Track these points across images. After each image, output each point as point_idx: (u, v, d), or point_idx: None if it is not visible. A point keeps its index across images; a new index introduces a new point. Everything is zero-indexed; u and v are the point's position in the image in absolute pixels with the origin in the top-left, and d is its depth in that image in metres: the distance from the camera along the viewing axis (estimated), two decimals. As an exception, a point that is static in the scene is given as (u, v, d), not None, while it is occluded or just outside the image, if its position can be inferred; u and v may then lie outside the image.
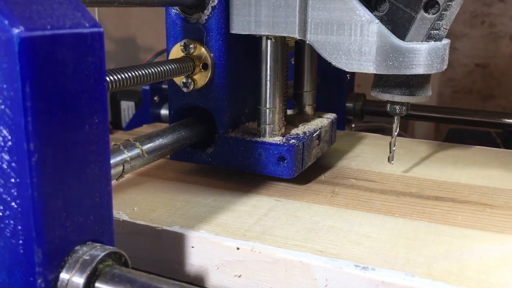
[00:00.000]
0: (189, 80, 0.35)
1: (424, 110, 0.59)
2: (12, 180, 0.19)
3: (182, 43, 0.35)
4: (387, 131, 0.65)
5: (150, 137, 0.32)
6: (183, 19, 0.35)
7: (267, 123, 0.36)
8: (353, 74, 0.62)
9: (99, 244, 0.22)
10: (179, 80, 0.35)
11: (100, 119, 0.22)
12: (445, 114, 0.59)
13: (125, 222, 0.30)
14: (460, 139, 0.75)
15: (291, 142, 0.35)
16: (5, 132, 0.19)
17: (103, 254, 0.22)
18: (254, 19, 0.33)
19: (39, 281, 0.20)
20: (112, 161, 0.28)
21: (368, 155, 0.44)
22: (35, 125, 0.18)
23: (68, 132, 0.20)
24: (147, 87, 0.71)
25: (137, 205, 0.32)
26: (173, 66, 0.32)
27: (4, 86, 0.18)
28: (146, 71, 0.30)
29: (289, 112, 0.43)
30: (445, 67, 0.34)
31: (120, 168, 0.28)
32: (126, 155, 0.29)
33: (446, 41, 0.34)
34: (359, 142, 0.48)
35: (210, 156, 0.37)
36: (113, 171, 0.28)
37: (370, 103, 0.60)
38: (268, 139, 0.35)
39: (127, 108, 0.73)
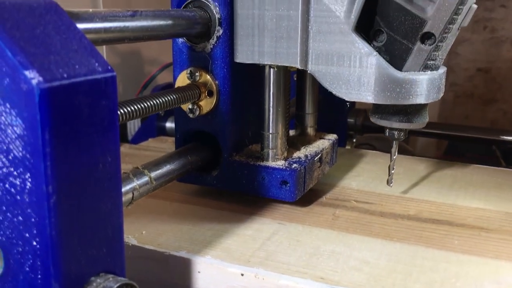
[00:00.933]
0: (195, 107, 0.36)
1: (426, 127, 0.60)
2: (32, 219, 0.20)
3: (188, 71, 0.36)
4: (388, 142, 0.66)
5: (157, 164, 0.33)
6: (189, 48, 0.36)
7: (270, 147, 0.37)
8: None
9: (112, 275, 0.24)
10: (186, 106, 0.37)
11: (113, 157, 0.23)
12: (445, 130, 0.60)
13: (134, 247, 0.31)
14: (461, 151, 0.76)
15: (293, 166, 0.36)
16: (26, 175, 0.20)
17: (116, 286, 0.23)
18: (258, 49, 0.34)
19: (56, 311, 0.21)
20: (122, 190, 0.29)
21: (368, 174, 0.45)
22: (53, 170, 0.20)
23: (83, 173, 0.21)
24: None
25: (145, 228, 0.33)
26: (179, 95, 0.34)
27: (25, 133, 0.20)
28: (155, 102, 0.31)
29: (291, 132, 0.44)
30: (442, 95, 0.35)
31: (130, 195, 0.30)
32: (135, 183, 0.30)
33: (442, 70, 0.35)
34: (359, 160, 0.50)
35: (215, 179, 0.38)
36: (123, 199, 0.29)
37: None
38: (271, 163, 0.36)
39: (133, 122, 0.74)
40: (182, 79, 0.36)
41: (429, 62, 0.34)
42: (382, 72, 0.32)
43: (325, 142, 0.42)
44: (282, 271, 0.29)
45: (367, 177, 0.45)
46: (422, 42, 0.33)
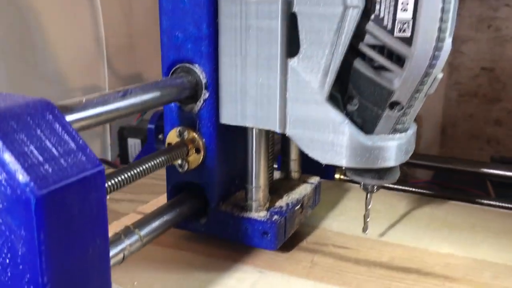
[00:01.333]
0: (184, 162, 0.39)
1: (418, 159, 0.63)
2: (30, 304, 0.24)
3: (178, 130, 0.39)
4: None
5: (148, 221, 0.36)
6: (178, 108, 0.39)
7: (253, 199, 0.40)
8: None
9: None
10: (176, 161, 0.39)
11: (101, 239, 0.26)
12: (436, 162, 0.63)
13: (127, 297, 0.35)
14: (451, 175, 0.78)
15: (274, 218, 0.39)
16: (26, 267, 0.23)
17: None
18: (240, 112, 0.37)
19: None
20: (114, 251, 0.32)
21: (350, 213, 0.48)
22: (47, 263, 0.23)
23: (74, 259, 0.24)
24: (152, 126, 0.75)
25: (137, 279, 0.37)
26: (169, 156, 0.37)
27: (23, 233, 0.23)
28: (144, 167, 0.34)
29: (277, 174, 0.47)
30: (410, 155, 0.38)
31: (121, 256, 0.33)
32: (126, 243, 0.33)
33: (411, 131, 0.38)
34: (344, 196, 0.52)
35: (204, 226, 0.41)
36: (114, 260, 0.32)
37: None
38: (253, 214, 0.39)
39: (134, 144, 0.78)
40: (172, 136, 0.39)
41: (398, 126, 0.36)
42: (353, 140, 0.35)
43: (307, 187, 0.45)
44: (258, 326, 0.32)
45: (349, 217, 0.47)
46: (391, 109, 0.35)
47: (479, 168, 0.62)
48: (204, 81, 0.37)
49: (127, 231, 0.34)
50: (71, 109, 0.28)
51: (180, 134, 0.39)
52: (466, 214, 0.49)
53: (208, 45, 0.36)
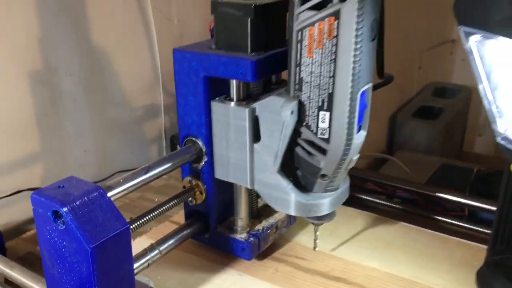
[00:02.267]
0: (193, 199, 0.59)
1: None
2: (89, 298, 0.45)
3: (188, 179, 0.59)
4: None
5: (166, 239, 0.57)
6: (189, 165, 0.59)
7: (238, 225, 0.59)
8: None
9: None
10: (187, 199, 0.60)
11: (128, 265, 0.47)
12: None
13: None
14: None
15: (250, 239, 0.58)
16: (86, 282, 0.44)
17: (130, 322, 0.47)
18: (226, 172, 0.56)
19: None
20: (141, 261, 0.53)
21: (321, 231, 0.66)
22: (97, 279, 0.44)
23: (112, 277, 0.45)
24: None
25: (159, 274, 0.58)
26: (184, 196, 0.57)
27: (85, 265, 0.44)
28: (169, 205, 0.55)
29: (262, 202, 0.65)
30: (342, 202, 0.55)
31: (146, 264, 0.54)
32: (149, 256, 0.54)
33: (342, 189, 0.55)
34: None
35: (207, 239, 0.61)
36: (142, 266, 0.53)
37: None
38: (237, 235, 0.59)
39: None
40: (185, 182, 0.59)
41: (328, 187, 0.54)
42: (296, 199, 0.53)
43: (282, 214, 0.63)
44: (225, 313, 0.52)
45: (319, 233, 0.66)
46: (321, 178, 0.53)
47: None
48: (204, 150, 0.57)
49: (151, 248, 0.55)
50: (112, 187, 0.48)
51: (190, 182, 0.59)
52: (407, 236, 0.65)
53: (205, 129, 0.55)
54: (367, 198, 0.84)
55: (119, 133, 0.90)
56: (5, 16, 0.68)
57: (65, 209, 0.43)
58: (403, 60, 2.02)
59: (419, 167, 1.39)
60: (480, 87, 0.45)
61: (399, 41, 1.81)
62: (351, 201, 0.79)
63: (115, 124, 0.89)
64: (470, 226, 0.76)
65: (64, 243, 0.44)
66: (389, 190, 0.87)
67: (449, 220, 0.76)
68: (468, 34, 0.43)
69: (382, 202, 0.82)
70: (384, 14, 0.62)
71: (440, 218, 0.78)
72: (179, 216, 0.69)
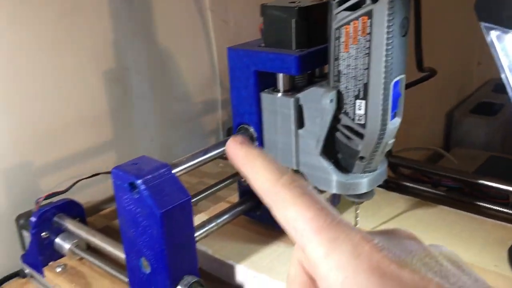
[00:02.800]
0: (244, 179, 0.67)
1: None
2: (159, 260, 0.54)
3: (241, 162, 0.66)
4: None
5: (222, 213, 0.65)
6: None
7: (286, 203, 0.66)
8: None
9: (192, 276, 0.56)
10: (239, 179, 0.67)
11: (189, 229, 0.55)
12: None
13: (209, 255, 0.64)
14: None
15: (296, 216, 0.65)
16: (155, 241, 0.53)
17: (193, 281, 0.56)
18: (275, 155, 0.63)
19: (168, 291, 0.55)
20: (200, 231, 0.61)
21: (364, 211, 0.72)
22: (165, 239, 0.52)
23: (176, 238, 0.54)
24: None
25: (216, 244, 0.66)
26: (236, 178, 0.65)
27: (155, 227, 0.52)
28: (221, 186, 0.63)
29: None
30: (381, 181, 0.61)
31: (204, 234, 0.62)
32: (208, 227, 0.62)
33: (379, 170, 0.61)
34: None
35: (259, 216, 0.69)
36: (201, 236, 0.61)
37: (394, 157, 0.86)
38: (285, 212, 0.66)
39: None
40: (239, 164, 0.67)
41: (366, 169, 0.60)
42: (337, 179, 0.59)
43: (326, 194, 0.70)
44: (278, 278, 0.59)
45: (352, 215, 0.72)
46: (359, 160, 0.59)
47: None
48: (255, 136, 0.64)
49: (209, 220, 0.63)
50: (177, 165, 0.57)
51: (243, 164, 0.66)
52: (445, 217, 0.70)
53: (256, 117, 0.63)
54: (412, 185, 0.88)
55: (181, 125, 0.99)
56: (86, 23, 0.79)
57: (139, 181, 0.52)
58: (461, 57, 2.01)
59: (474, 162, 1.40)
60: (503, 76, 0.50)
61: (458, 38, 1.81)
62: (395, 188, 0.84)
63: (177, 117, 0.98)
64: (510, 211, 0.79)
65: (138, 209, 0.53)
66: (434, 179, 0.91)
67: (491, 206, 0.79)
68: (488, 29, 0.49)
69: (426, 189, 0.86)
70: (421, 13, 0.67)
71: (482, 204, 0.81)
72: (234, 198, 0.77)
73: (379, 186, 0.83)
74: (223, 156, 0.96)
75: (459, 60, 2.01)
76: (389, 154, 0.87)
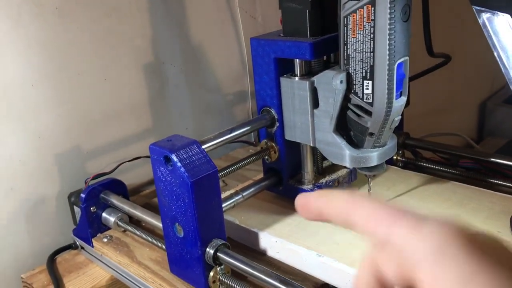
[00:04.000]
0: (268, 158, 0.74)
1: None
2: (190, 216, 0.61)
3: (264, 142, 0.74)
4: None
5: (248, 187, 0.72)
6: (265, 129, 0.74)
7: (306, 178, 0.73)
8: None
9: (220, 239, 0.64)
10: (264, 156, 0.75)
11: (217, 199, 0.62)
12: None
13: (237, 225, 0.71)
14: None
15: (314, 189, 0.72)
16: (187, 208, 0.61)
17: (220, 243, 0.63)
18: (294, 134, 0.70)
19: (199, 251, 0.62)
20: (228, 202, 0.69)
21: (380, 186, 0.78)
22: (196, 207, 0.60)
23: (206, 206, 0.61)
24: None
25: (243, 215, 0.73)
26: (261, 154, 0.72)
27: (186, 195, 0.60)
28: (247, 161, 0.70)
29: (326, 163, 0.78)
30: (389, 157, 0.67)
31: (232, 205, 0.69)
32: (235, 199, 0.70)
33: (389, 145, 0.67)
34: (384, 176, 0.82)
35: (281, 190, 0.76)
36: (228, 207, 0.69)
37: (412, 139, 0.91)
38: (304, 186, 0.73)
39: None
40: (263, 144, 0.74)
41: (376, 144, 0.66)
42: (349, 153, 0.65)
43: (344, 171, 0.76)
44: (299, 243, 0.66)
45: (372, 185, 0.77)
46: (369, 136, 0.65)
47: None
48: (276, 117, 0.71)
49: (236, 193, 0.71)
50: (205, 142, 0.65)
51: (266, 143, 0.74)
52: (455, 191, 0.75)
53: (277, 100, 0.70)
54: (429, 165, 0.93)
55: (214, 114, 1.07)
56: (126, 21, 0.88)
57: (173, 155, 0.59)
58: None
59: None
60: (496, 54, 0.56)
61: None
62: (413, 169, 0.90)
63: (210, 107, 1.07)
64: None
65: (172, 180, 0.61)
66: (452, 160, 0.96)
67: (504, 183, 0.83)
68: (479, 12, 0.54)
69: (443, 168, 0.90)
70: (428, 1, 0.73)
71: (497, 181, 0.85)
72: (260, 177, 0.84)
73: (395, 165, 0.89)
74: (252, 143, 1.03)
75: (492, 51, 2.01)
76: (407, 137, 0.93)
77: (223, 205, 0.67)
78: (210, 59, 1.05)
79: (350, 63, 0.62)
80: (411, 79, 0.65)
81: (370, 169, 0.68)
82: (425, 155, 1.00)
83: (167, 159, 0.60)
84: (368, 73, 0.61)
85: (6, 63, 0.75)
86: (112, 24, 0.87)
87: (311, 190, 0.72)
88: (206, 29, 1.02)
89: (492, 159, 0.86)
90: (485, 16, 0.54)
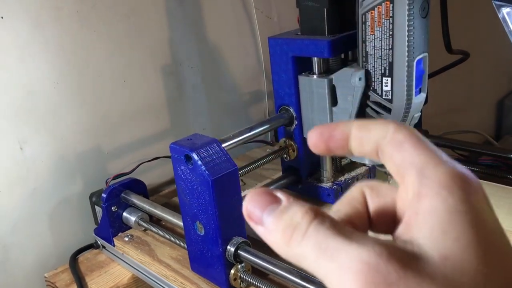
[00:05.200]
0: (287, 156, 0.74)
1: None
2: (210, 215, 0.62)
3: (283, 140, 0.74)
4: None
5: (267, 186, 0.72)
6: (284, 128, 0.74)
7: (325, 176, 0.73)
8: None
9: (240, 237, 0.64)
10: (283, 155, 0.75)
11: (237, 196, 0.63)
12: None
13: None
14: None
15: (333, 187, 0.72)
16: (208, 206, 0.61)
17: (241, 241, 0.64)
18: (313, 132, 0.70)
19: (220, 249, 0.63)
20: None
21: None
22: (216, 204, 0.61)
23: (226, 204, 0.62)
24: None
25: (263, 214, 0.73)
26: (280, 152, 0.72)
27: (207, 193, 0.61)
28: (266, 159, 0.70)
29: (345, 161, 0.79)
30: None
31: (252, 203, 0.70)
32: (255, 197, 0.70)
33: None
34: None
35: (300, 189, 0.76)
36: (249, 204, 0.69)
37: (431, 137, 0.90)
38: (324, 184, 0.73)
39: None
40: (281, 142, 0.75)
41: (395, 141, 0.66)
42: (366, 149, 0.66)
43: (363, 169, 0.76)
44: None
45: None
46: (388, 133, 0.65)
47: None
48: (294, 115, 0.72)
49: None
50: (225, 140, 0.65)
51: (285, 142, 0.74)
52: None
53: (295, 98, 0.70)
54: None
55: (231, 114, 1.08)
56: (144, 24, 0.89)
57: (193, 153, 0.60)
58: None
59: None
60: (516, 49, 0.55)
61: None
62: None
63: (227, 107, 1.07)
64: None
65: (193, 178, 0.61)
66: (471, 157, 0.95)
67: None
68: (499, 7, 0.54)
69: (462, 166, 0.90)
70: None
71: (516, 178, 0.84)
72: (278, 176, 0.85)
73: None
74: (269, 142, 1.04)
75: (510, 48, 1.99)
76: (426, 135, 0.92)
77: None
78: (226, 59, 1.06)
79: (369, 60, 0.62)
80: (429, 76, 0.65)
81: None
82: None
83: (188, 158, 0.61)
84: (387, 70, 0.61)
85: (28, 66, 0.77)
86: (131, 26, 0.88)
87: (330, 188, 0.72)
88: (222, 30, 1.03)
89: (512, 156, 0.85)
90: (505, 10, 0.54)
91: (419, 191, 0.22)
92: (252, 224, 0.25)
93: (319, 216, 0.22)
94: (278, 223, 0.23)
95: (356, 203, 0.27)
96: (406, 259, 0.20)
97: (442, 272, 0.19)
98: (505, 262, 0.21)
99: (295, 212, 0.23)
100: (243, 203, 0.25)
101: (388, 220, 0.25)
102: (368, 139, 0.25)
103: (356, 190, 0.27)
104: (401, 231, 0.22)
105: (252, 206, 0.25)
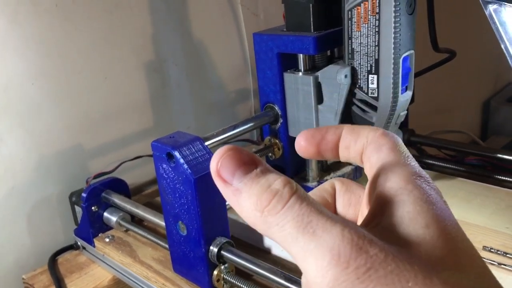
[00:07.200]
0: (272, 155, 0.73)
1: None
2: (193, 214, 0.60)
3: (268, 138, 0.73)
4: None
5: (251, 185, 0.71)
6: (269, 126, 0.73)
7: (310, 175, 0.72)
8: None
9: (223, 237, 0.63)
10: (268, 154, 0.73)
11: (220, 197, 0.61)
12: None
13: (240, 223, 0.70)
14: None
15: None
16: (190, 205, 0.60)
17: (224, 241, 0.62)
18: (298, 130, 0.69)
19: (203, 250, 0.61)
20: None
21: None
22: (199, 203, 0.59)
23: (209, 203, 0.60)
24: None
25: (247, 214, 0.72)
26: (265, 151, 0.71)
27: (189, 192, 0.59)
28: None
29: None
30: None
31: (236, 202, 0.68)
32: (238, 196, 0.69)
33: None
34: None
35: (285, 188, 0.75)
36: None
37: (417, 136, 0.90)
38: (309, 184, 0.72)
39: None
40: (266, 141, 0.73)
41: (387, 124, 0.65)
42: (352, 148, 0.64)
43: (348, 168, 0.75)
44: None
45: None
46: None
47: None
48: (280, 113, 0.70)
49: (239, 191, 0.70)
50: (208, 138, 0.64)
51: (270, 140, 0.73)
52: (461, 187, 0.74)
53: (280, 95, 0.69)
54: (434, 162, 0.92)
55: (216, 113, 1.06)
56: (127, 19, 0.87)
57: (175, 151, 0.58)
58: (498, 46, 2.01)
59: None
60: (503, 46, 0.55)
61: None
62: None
63: (212, 105, 1.06)
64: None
65: (175, 176, 0.60)
66: (457, 156, 0.95)
67: (511, 179, 0.82)
68: (486, 3, 0.53)
69: (448, 165, 0.89)
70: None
71: (502, 177, 0.84)
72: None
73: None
74: (255, 141, 1.02)
75: (495, 49, 2.00)
76: (412, 134, 0.92)
77: (227, 203, 0.66)
78: (211, 56, 1.04)
79: (355, 57, 0.61)
80: (415, 75, 0.64)
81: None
82: (430, 152, 0.99)
83: (170, 156, 0.59)
84: (373, 67, 0.60)
85: (5, 61, 0.75)
86: (113, 21, 0.86)
87: (314, 187, 0.71)
88: (207, 27, 1.01)
89: (499, 155, 0.85)
90: (491, 7, 0.53)
91: (387, 185, 0.23)
92: (219, 184, 0.24)
93: (300, 190, 0.22)
94: (252, 186, 0.22)
95: (327, 194, 0.29)
96: (387, 243, 0.20)
97: (418, 258, 0.20)
98: (471, 249, 0.22)
99: (275, 179, 0.22)
100: (212, 158, 0.24)
101: (352, 214, 0.28)
102: (355, 142, 0.26)
103: (328, 183, 0.29)
104: (368, 222, 0.23)
105: (224, 162, 0.23)
